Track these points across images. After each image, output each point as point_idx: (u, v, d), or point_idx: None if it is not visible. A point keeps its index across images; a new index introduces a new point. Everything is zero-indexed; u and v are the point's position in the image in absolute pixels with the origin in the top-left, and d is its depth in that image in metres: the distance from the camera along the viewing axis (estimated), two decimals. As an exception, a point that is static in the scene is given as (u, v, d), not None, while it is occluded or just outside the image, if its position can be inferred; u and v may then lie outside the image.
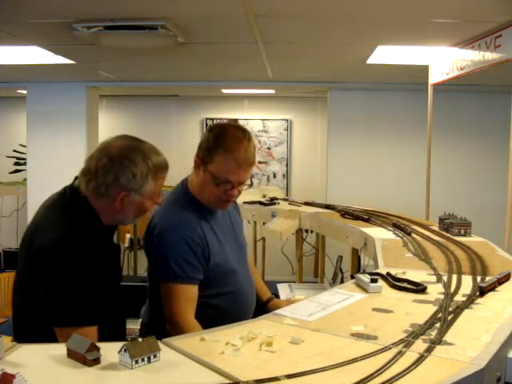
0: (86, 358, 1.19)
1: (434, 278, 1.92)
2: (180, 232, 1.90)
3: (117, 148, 1.70)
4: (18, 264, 1.72)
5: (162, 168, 1.75)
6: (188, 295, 1.90)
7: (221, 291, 2.03)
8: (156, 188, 1.74)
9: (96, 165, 1.68)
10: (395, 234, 2.78)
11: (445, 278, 1.89)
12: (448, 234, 2.72)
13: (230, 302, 2.04)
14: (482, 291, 1.71)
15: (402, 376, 1.12)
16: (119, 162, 1.67)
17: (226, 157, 1.90)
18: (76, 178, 1.76)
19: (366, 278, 1.81)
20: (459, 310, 1.55)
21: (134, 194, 1.69)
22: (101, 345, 1.23)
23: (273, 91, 6.37)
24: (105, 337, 1.55)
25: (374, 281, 1.78)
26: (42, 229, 1.66)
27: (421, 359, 1.20)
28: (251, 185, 2.25)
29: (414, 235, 2.71)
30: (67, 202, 1.71)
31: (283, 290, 3.45)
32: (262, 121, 6.96)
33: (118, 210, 1.71)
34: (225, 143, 1.91)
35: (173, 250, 1.89)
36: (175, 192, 2.08)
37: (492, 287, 1.76)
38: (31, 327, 1.68)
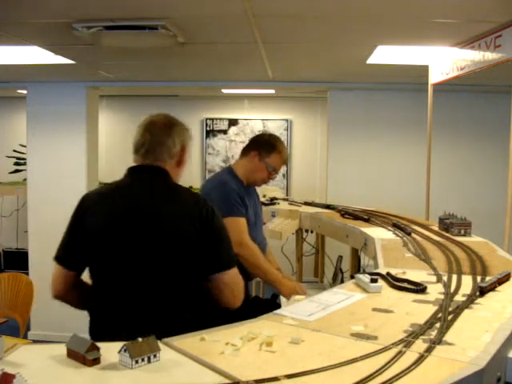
0: (86, 357, 1.20)
1: (434, 278, 1.92)
2: (229, 185, 2.72)
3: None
4: (149, 245, 1.79)
5: None
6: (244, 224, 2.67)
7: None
8: None
9: None
10: (395, 234, 2.78)
11: (445, 278, 1.89)
12: (448, 234, 2.72)
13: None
14: (482, 291, 1.71)
15: (402, 376, 1.12)
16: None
17: (280, 156, 2.89)
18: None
19: (366, 277, 1.81)
20: (459, 310, 1.55)
21: None
22: (101, 345, 1.23)
23: (273, 91, 6.37)
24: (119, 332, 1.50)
25: (373, 281, 1.78)
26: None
27: (421, 359, 1.20)
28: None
29: (413, 235, 2.72)
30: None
31: (283, 290, 3.44)
32: (262, 121, 6.96)
33: None
34: (279, 147, 2.89)
35: (227, 195, 2.67)
36: (221, 171, 2.95)
37: (492, 287, 1.76)
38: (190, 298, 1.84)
